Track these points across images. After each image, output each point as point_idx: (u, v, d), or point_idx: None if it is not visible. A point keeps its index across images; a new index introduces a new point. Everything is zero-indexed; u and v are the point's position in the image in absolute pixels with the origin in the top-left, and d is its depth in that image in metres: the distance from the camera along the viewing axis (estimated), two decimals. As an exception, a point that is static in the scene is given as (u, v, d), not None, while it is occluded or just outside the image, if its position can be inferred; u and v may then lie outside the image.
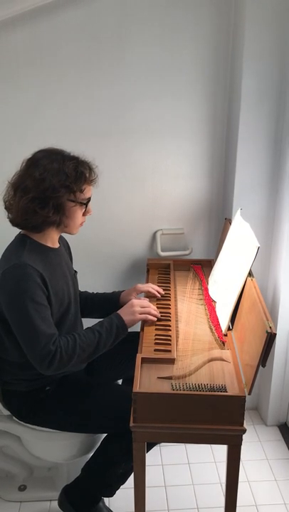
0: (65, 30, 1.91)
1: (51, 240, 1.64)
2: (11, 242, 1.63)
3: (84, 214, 1.65)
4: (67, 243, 1.84)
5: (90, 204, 1.65)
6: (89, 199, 1.63)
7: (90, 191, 1.63)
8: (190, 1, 1.92)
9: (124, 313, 1.66)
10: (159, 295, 1.89)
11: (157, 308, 1.78)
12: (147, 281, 2.03)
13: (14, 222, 1.59)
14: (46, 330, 1.50)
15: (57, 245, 1.68)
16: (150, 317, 1.71)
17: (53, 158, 1.55)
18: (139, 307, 1.69)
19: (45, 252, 1.61)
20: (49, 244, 1.64)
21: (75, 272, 1.82)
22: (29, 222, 1.56)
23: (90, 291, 1.96)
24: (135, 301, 1.71)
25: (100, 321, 1.64)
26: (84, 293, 1.93)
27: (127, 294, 1.88)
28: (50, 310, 1.56)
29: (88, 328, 1.63)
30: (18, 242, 1.60)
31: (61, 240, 1.74)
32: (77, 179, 1.55)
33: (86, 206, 1.63)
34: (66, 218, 1.59)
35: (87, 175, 1.59)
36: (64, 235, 1.73)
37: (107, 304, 1.89)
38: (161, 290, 1.91)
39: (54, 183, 1.51)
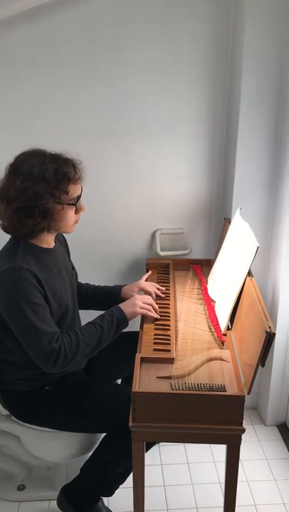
0: (64, 29, 1.91)
1: (46, 241, 1.63)
2: (5, 245, 1.62)
3: (76, 212, 1.61)
4: (63, 238, 1.82)
5: (81, 201, 1.61)
6: (78, 197, 1.59)
7: (78, 189, 1.59)
8: (190, 0, 1.91)
9: (125, 306, 1.68)
10: (160, 295, 1.89)
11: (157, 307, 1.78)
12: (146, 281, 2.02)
13: (6, 231, 1.57)
14: (47, 329, 1.50)
15: (52, 245, 1.66)
16: (150, 313, 1.72)
17: (33, 162, 1.50)
18: (141, 302, 1.70)
19: (40, 253, 1.59)
20: (44, 246, 1.62)
21: (73, 268, 1.81)
22: (18, 231, 1.54)
23: (91, 283, 1.95)
24: (138, 296, 1.74)
25: (100, 315, 1.64)
26: (85, 285, 1.92)
27: (130, 290, 1.86)
28: (48, 309, 1.55)
29: (89, 322, 1.63)
30: (12, 245, 1.58)
31: (57, 236, 1.72)
32: (59, 183, 1.50)
33: (76, 205, 1.59)
34: (56, 222, 1.56)
35: (71, 175, 1.53)
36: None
37: (108, 297, 1.88)
38: (161, 290, 1.91)
39: (36, 191, 1.47)
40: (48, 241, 1.64)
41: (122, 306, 1.68)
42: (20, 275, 1.49)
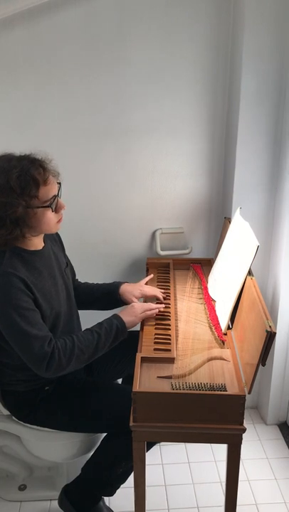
0: (64, 29, 1.91)
1: (33, 244, 1.60)
2: None
3: (56, 211, 1.56)
4: (57, 234, 1.78)
5: (60, 199, 1.56)
6: (54, 197, 1.52)
7: (52, 189, 1.52)
8: (189, 0, 1.91)
9: (124, 314, 1.67)
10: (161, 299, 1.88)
11: (157, 307, 1.78)
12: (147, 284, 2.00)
13: None
14: (38, 333, 1.49)
15: (41, 246, 1.64)
16: (149, 313, 1.71)
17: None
18: (139, 309, 1.70)
19: (28, 256, 1.57)
20: (31, 248, 1.60)
21: (67, 264, 1.79)
22: None
23: (91, 282, 1.94)
24: (136, 305, 1.72)
25: (99, 323, 1.64)
26: (84, 284, 1.92)
27: (130, 293, 1.82)
28: (39, 313, 1.54)
29: (87, 329, 1.62)
30: None
31: (49, 234, 1.69)
32: (24, 189, 1.44)
33: (52, 206, 1.53)
34: (31, 228, 1.52)
35: (39, 177, 1.47)
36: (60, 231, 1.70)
37: (106, 294, 1.87)
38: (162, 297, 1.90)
39: (3, 201, 1.44)
40: (35, 243, 1.62)
41: (122, 314, 1.67)
42: (7, 281, 1.48)
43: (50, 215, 1.54)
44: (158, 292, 1.87)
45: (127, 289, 1.85)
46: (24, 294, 1.50)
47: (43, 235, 1.65)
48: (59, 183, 1.57)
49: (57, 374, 1.53)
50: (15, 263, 1.52)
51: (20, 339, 1.50)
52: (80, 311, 1.86)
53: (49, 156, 1.54)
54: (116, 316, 1.65)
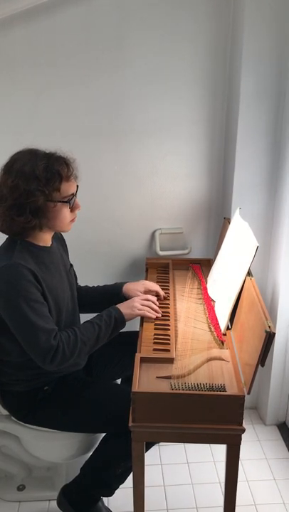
0: (63, 29, 1.91)
1: (43, 240, 1.63)
2: (2, 243, 1.62)
3: (72, 210, 1.60)
4: (62, 238, 1.82)
5: (77, 199, 1.61)
6: (72, 195, 1.58)
7: (72, 187, 1.58)
8: (189, 1, 1.91)
9: (123, 306, 1.67)
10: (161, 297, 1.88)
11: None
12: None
13: (0, 230, 1.58)
14: (45, 326, 1.50)
15: (49, 244, 1.66)
16: (148, 314, 1.71)
17: (25, 160, 1.51)
18: (140, 303, 1.70)
19: (37, 251, 1.60)
20: (41, 244, 1.62)
21: (71, 265, 1.81)
22: (10, 230, 1.55)
23: (90, 286, 1.94)
24: (136, 298, 1.73)
25: (98, 314, 1.64)
26: (84, 287, 1.92)
27: (134, 289, 1.83)
28: (47, 306, 1.55)
29: (87, 321, 1.63)
30: (9, 243, 1.59)
31: (55, 235, 1.72)
32: (49, 180, 1.50)
33: (70, 203, 1.58)
34: (49, 220, 1.56)
35: (63, 172, 1.53)
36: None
37: (109, 296, 1.86)
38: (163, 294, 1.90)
39: (26, 188, 1.48)
40: (45, 239, 1.64)
41: (121, 306, 1.68)
42: (17, 272, 1.49)
43: (66, 212, 1.58)
44: (158, 288, 1.88)
45: (130, 286, 1.86)
46: (33, 286, 1.51)
47: (53, 233, 1.67)
48: (77, 186, 1.61)
49: (60, 366, 1.53)
50: (25, 256, 1.54)
51: (28, 331, 1.50)
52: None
53: (78, 158, 1.59)
54: (114, 308, 1.66)
